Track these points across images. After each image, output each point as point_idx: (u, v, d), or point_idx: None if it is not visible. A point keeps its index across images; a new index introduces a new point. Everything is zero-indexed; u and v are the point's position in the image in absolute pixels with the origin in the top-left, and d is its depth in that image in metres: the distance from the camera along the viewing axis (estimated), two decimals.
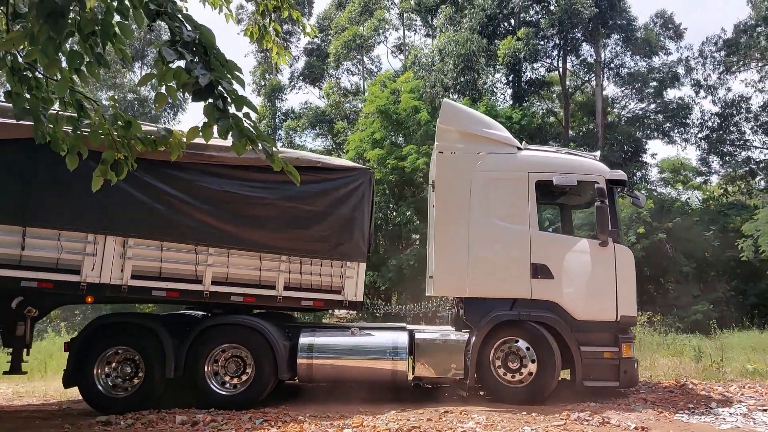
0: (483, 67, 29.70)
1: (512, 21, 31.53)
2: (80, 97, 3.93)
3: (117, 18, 3.46)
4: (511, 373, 8.34)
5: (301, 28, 7.37)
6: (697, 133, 33.73)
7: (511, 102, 31.28)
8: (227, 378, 8.21)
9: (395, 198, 26.82)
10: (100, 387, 7.94)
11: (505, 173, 8.82)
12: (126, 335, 8.12)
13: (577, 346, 8.23)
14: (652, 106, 32.92)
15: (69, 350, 8.00)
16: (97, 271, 7.70)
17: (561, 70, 32.81)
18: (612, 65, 32.64)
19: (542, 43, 30.99)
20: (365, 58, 39.06)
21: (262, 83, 39.50)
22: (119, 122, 3.95)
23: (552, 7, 29.88)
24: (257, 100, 38.46)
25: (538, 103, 34.81)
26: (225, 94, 3.52)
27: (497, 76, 33.03)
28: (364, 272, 9.04)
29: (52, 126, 3.99)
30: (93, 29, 3.36)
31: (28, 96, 3.83)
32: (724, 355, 12.50)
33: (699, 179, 33.38)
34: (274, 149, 3.82)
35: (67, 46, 3.46)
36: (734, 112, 33.33)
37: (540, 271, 8.49)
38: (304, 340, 8.50)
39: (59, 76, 3.63)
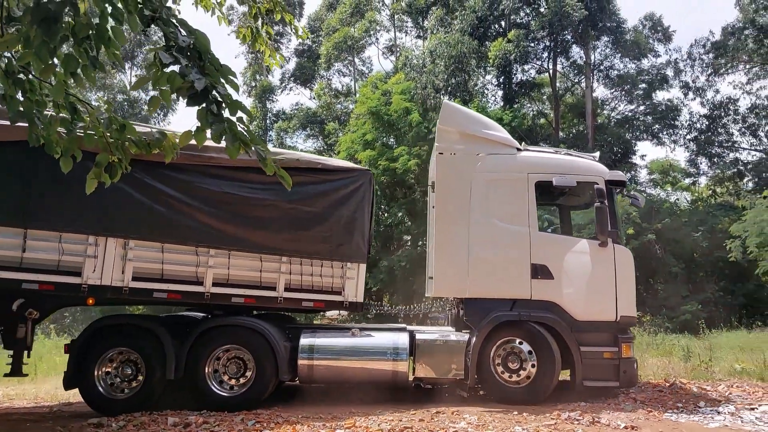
0: (474, 69, 29.79)
1: (503, 23, 31.66)
2: (74, 100, 3.94)
3: (111, 22, 3.48)
4: (511, 373, 8.36)
5: (293, 30, 7.38)
6: (686, 135, 34.15)
7: (502, 104, 31.45)
8: (227, 379, 8.19)
9: (387, 199, 26.86)
10: (100, 388, 7.90)
11: (505, 174, 8.86)
12: (126, 337, 8.08)
13: (577, 346, 8.27)
14: (642, 107, 33.26)
15: (69, 352, 7.94)
16: (98, 273, 7.66)
17: (551, 71, 33.03)
18: (602, 67, 32.93)
19: (532, 45, 31.16)
20: (356, 60, 39.13)
21: (253, 84, 39.42)
22: (114, 125, 3.96)
23: (542, 10, 30.06)
24: (248, 101, 38.39)
25: (529, 105, 35.02)
26: (219, 99, 3.55)
27: (488, 77, 33.22)
28: (364, 273, 9.06)
29: (45, 128, 3.98)
30: (87, 34, 3.38)
31: (21, 99, 3.83)
32: (713, 354, 12.63)
33: (688, 180, 33.78)
34: (269, 153, 3.85)
35: (62, 49, 3.46)
36: (722, 114, 33.75)
37: (540, 272, 8.53)
38: (305, 341, 8.49)
39: (53, 80, 3.63)
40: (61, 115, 3.95)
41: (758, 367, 11.30)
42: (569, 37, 31.07)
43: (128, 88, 38.54)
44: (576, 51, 32.77)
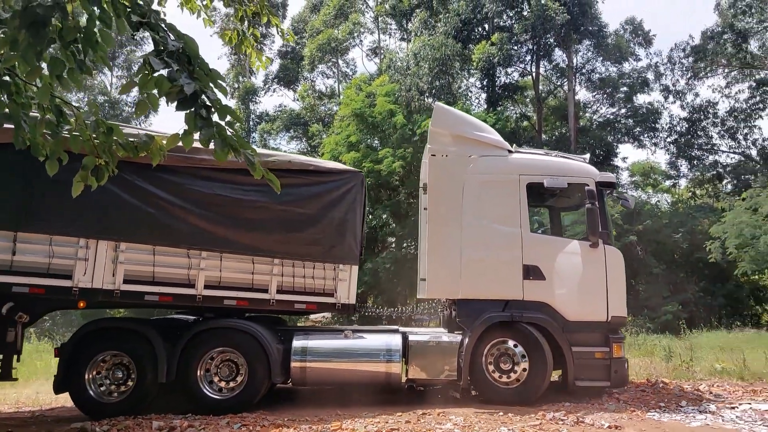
0: (458, 72, 29.97)
1: (486, 26, 31.88)
2: (60, 102, 3.90)
3: (99, 25, 3.45)
4: (503, 374, 8.39)
5: (279, 33, 7.37)
6: (666, 138, 34.58)
7: (486, 106, 31.62)
8: (219, 381, 8.12)
9: (371, 201, 26.86)
10: (91, 392, 7.80)
11: (497, 176, 8.90)
12: (117, 340, 7.99)
13: (568, 346, 8.32)
14: (623, 110, 33.64)
15: (59, 355, 7.83)
16: (89, 276, 7.56)
17: (534, 74, 33.27)
18: (584, 70, 33.24)
19: (516, 48, 31.38)
20: (340, 61, 39.14)
21: (236, 86, 39.22)
22: (101, 128, 3.93)
23: (525, 13, 30.29)
24: (231, 103, 38.18)
25: (512, 108, 35.22)
26: (209, 103, 3.55)
27: (472, 80, 33.41)
28: (356, 275, 9.05)
29: (30, 131, 3.91)
30: (75, 37, 3.35)
31: (7, 101, 3.77)
32: (693, 354, 12.79)
33: (668, 182, 34.26)
34: (258, 157, 3.86)
35: (48, 52, 3.42)
36: (702, 117, 34.24)
37: (532, 273, 8.58)
38: (298, 343, 8.46)
39: (39, 82, 3.59)
40: (46, 117, 3.90)
41: (738, 366, 11.48)
42: (552, 40, 31.33)
43: (109, 89, 38.18)
44: (558, 54, 33.16)
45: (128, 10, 3.52)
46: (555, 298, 8.54)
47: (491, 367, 8.43)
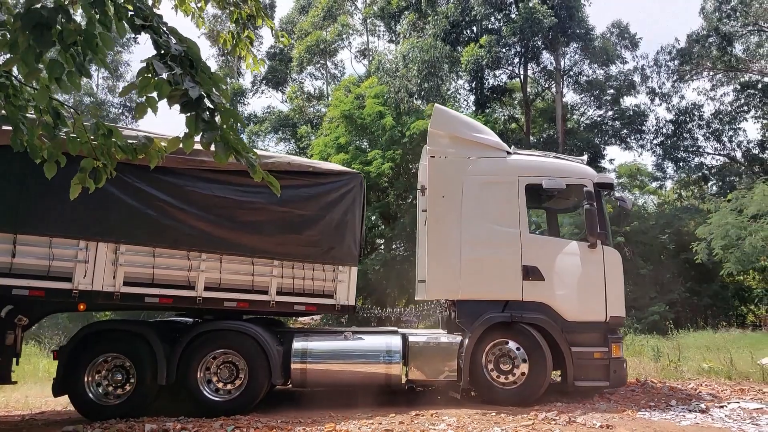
0: (446, 74, 30.02)
1: (475, 28, 32.03)
2: (57, 105, 3.86)
3: (99, 28, 3.43)
4: (503, 374, 8.42)
5: (274, 36, 7.37)
6: (653, 140, 35.01)
7: (474, 108, 31.79)
8: (219, 383, 8.08)
9: None
10: (90, 395, 7.72)
11: (496, 177, 8.95)
12: (116, 342, 7.92)
13: (568, 346, 8.37)
14: (610, 113, 34.00)
15: (58, 358, 7.75)
16: (89, 279, 7.48)
17: (522, 77, 33.50)
18: (571, 73, 33.53)
19: (504, 50, 31.57)
20: (329, 63, 39.03)
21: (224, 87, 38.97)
22: (101, 131, 3.89)
23: (513, 16, 30.49)
24: None
25: (500, 110, 35.42)
26: (212, 107, 3.54)
27: (460, 82, 33.59)
28: (355, 276, 9.05)
29: (28, 133, 3.87)
30: (75, 39, 3.32)
31: (4, 103, 3.74)
32: (681, 354, 12.94)
33: (654, 184, 34.67)
34: (259, 159, 3.90)
35: (48, 55, 3.40)
36: (687, 119, 34.67)
37: (531, 273, 8.62)
38: (298, 345, 8.44)
39: (36, 84, 3.57)
40: (43, 119, 3.86)
41: (725, 366, 11.60)
42: (540, 43, 31.54)
43: (95, 90, 37.83)
44: (546, 57, 33.39)
45: (131, 13, 3.50)
46: (554, 299, 8.58)
47: (491, 368, 8.45)
